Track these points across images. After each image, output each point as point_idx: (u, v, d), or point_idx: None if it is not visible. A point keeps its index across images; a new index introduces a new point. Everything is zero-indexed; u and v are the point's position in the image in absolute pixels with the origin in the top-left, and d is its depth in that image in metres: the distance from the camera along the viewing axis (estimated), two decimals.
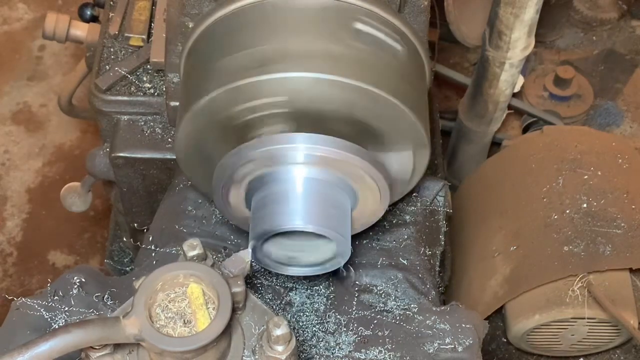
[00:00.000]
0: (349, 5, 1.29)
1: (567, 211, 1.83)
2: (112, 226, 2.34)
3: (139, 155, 1.75)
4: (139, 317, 0.98)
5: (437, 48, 2.39)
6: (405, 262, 1.48)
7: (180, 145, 1.34)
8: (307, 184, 1.25)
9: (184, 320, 1.01)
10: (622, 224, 1.80)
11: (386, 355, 1.31)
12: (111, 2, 1.94)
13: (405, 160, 1.34)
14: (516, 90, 2.23)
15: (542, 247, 1.81)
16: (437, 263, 1.58)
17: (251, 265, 1.16)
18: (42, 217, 2.80)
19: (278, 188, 1.26)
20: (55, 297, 1.29)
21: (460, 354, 1.31)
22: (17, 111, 3.07)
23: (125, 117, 1.79)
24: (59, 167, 2.93)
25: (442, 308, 1.39)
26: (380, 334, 1.34)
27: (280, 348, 1.04)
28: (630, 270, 1.82)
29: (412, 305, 1.40)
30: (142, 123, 1.78)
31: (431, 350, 1.31)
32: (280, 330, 1.03)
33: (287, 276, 1.41)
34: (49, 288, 1.32)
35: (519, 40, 1.91)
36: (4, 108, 3.07)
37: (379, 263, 1.46)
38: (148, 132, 1.77)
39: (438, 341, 1.32)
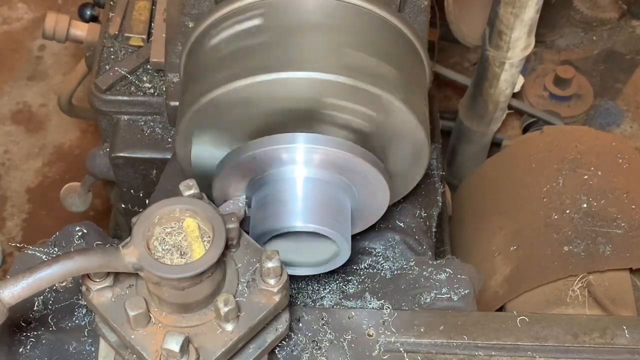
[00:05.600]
0: (348, 4, 1.29)
1: (567, 211, 1.83)
2: (112, 226, 2.34)
3: (139, 155, 1.75)
4: (138, 247, 1.01)
5: (437, 48, 2.39)
6: (401, 224, 1.53)
7: (180, 146, 1.34)
8: (307, 184, 1.25)
9: (181, 252, 1.03)
10: (622, 224, 1.80)
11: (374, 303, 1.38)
12: (111, 2, 1.94)
13: (406, 160, 1.34)
14: (516, 90, 2.23)
15: (542, 247, 1.81)
16: (434, 224, 1.63)
17: (245, 211, 1.19)
18: (42, 217, 2.80)
19: (278, 188, 1.26)
20: (56, 248, 1.34)
21: (456, 303, 1.37)
22: (17, 111, 3.07)
23: (125, 117, 1.79)
24: (59, 167, 2.93)
25: (439, 261, 1.45)
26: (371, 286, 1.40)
27: (272, 281, 1.07)
28: (630, 270, 1.82)
29: (409, 260, 1.46)
30: (142, 123, 1.78)
31: (428, 300, 1.38)
32: (272, 262, 1.06)
33: None
34: (52, 238, 1.37)
35: (519, 40, 1.91)
36: (4, 108, 3.07)
37: (376, 226, 1.48)
38: (148, 132, 1.77)
39: (435, 291, 1.39)
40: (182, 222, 1.05)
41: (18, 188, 2.88)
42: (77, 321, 1.29)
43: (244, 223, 1.30)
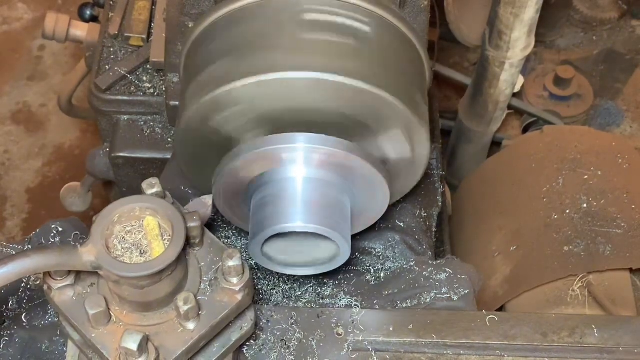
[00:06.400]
0: (347, 4, 1.28)
1: (567, 211, 1.83)
2: None
3: (138, 155, 1.75)
4: (96, 246, 1.00)
5: (437, 48, 2.39)
6: (401, 224, 1.53)
7: (180, 149, 1.34)
8: (307, 184, 1.25)
9: (140, 251, 1.03)
10: (622, 224, 1.80)
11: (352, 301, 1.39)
12: (111, 2, 1.94)
13: (404, 154, 1.33)
14: (516, 90, 2.23)
15: (542, 247, 1.81)
16: (434, 224, 1.64)
17: (212, 207, 1.19)
18: (42, 217, 2.80)
19: (278, 188, 1.26)
20: (29, 245, 1.34)
21: (456, 303, 1.38)
22: (17, 111, 3.07)
23: (125, 117, 1.79)
24: (59, 167, 2.93)
25: (439, 261, 1.45)
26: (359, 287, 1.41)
27: (234, 280, 1.07)
28: (630, 270, 1.82)
29: (409, 260, 1.47)
30: (142, 123, 1.79)
31: (428, 300, 1.38)
32: (233, 261, 1.05)
33: None
34: (32, 235, 1.36)
35: (519, 40, 1.91)
36: (4, 108, 3.07)
37: (376, 226, 1.48)
38: (148, 132, 1.78)
39: (435, 291, 1.39)
40: (142, 221, 1.05)
41: (18, 188, 2.88)
42: (50, 319, 1.29)
43: (210, 222, 1.29)
